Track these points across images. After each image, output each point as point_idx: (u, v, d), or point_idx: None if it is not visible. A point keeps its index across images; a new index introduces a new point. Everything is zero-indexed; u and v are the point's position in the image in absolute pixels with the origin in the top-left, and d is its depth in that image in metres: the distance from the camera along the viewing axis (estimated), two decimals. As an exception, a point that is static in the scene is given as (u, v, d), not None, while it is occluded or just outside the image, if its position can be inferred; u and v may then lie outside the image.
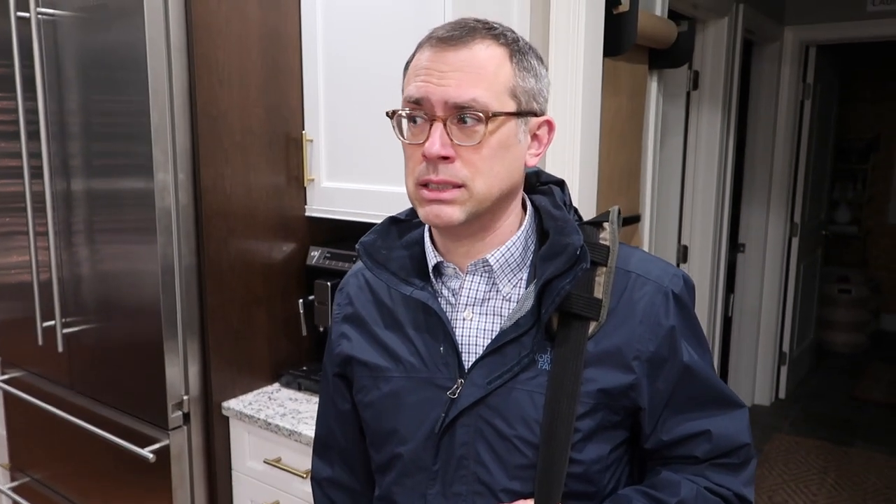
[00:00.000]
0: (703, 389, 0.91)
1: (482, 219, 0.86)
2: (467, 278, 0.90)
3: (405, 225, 0.96)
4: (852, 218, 5.43)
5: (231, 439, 1.82)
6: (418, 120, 0.83)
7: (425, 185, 0.83)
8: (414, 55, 0.86)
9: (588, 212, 1.78)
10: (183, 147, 1.66)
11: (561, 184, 0.95)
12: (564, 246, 0.84)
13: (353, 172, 1.82)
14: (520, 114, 0.83)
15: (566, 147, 1.70)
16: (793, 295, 4.05)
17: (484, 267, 0.89)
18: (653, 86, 2.42)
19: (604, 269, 0.87)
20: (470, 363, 0.88)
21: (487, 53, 0.81)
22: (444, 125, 0.80)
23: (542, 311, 0.85)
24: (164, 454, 1.73)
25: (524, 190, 0.94)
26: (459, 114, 0.80)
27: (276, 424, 1.68)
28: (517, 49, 0.84)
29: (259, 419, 1.71)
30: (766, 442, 3.60)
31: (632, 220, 2.47)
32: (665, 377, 0.88)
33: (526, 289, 0.88)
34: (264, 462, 1.74)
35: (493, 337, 0.87)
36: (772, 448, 3.55)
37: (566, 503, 0.85)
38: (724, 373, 3.93)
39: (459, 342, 0.89)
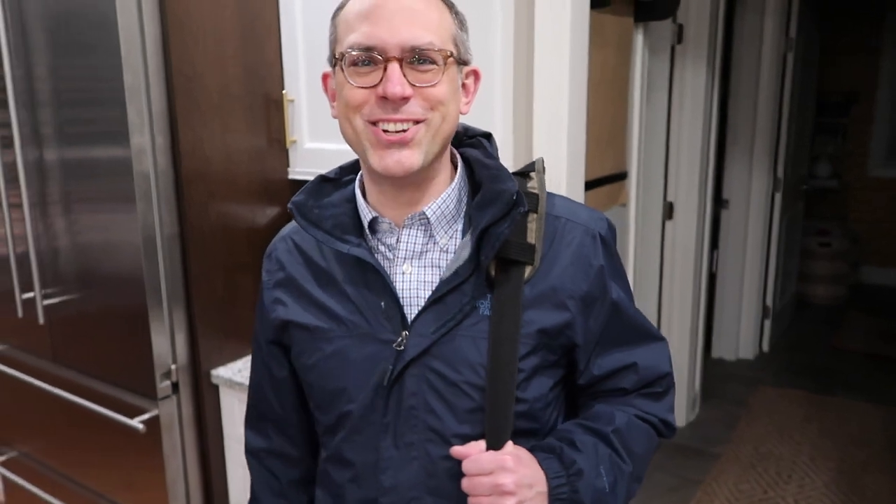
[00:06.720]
0: (629, 325, 0.97)
1: (428, 165, 0.87)
2: (404, 232, 0.90)
3: (335, 183, 0.97)
4: (832, 172, 5.46)
5: (222, 407, 1.80)
6: (368, 63, 0.82)
7: (377, 124, 0.83)
8: (343, 6, 0.86)
9: (576, 170, 1.76)
10: (159, 109, 1.60)
11: (488, 136, 0.97)
12: (499, 192, 0.86)
13: (337, 133, 1.75)
14: (459, 61, 0.86)
15: (553, 101, 1.66)
16: (776, 250, 4.08)
17: (420, 220, 0.90)
18: (638, 39, 2.38)
19: (535, 215, 0.91)
20: (412, 316, 0.89)
21: (426, 1, 0.84)
22: (400, 66, 0.81)
23: (481, 258, 0.87)
24: (154, 424, 1.71)
25: (451, 144, 0.96)
26: (415, 56, 0.81)
27: (267, 391, 1.66)
28: (446, 0, 0.87)
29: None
30: (750, 395, 3.66)
31: (619, 177, 2.45)
32: (596, 315, 0.93)
33: (462, 240, 0.90)
34: (256, 429, 1.73)
35: (434, 288, 0.89)
36: (756, 400, 3.61)
37: (513, 440, 0.88)
38: (709, 328, 3.97)
39: (400, 296, 0.90)
